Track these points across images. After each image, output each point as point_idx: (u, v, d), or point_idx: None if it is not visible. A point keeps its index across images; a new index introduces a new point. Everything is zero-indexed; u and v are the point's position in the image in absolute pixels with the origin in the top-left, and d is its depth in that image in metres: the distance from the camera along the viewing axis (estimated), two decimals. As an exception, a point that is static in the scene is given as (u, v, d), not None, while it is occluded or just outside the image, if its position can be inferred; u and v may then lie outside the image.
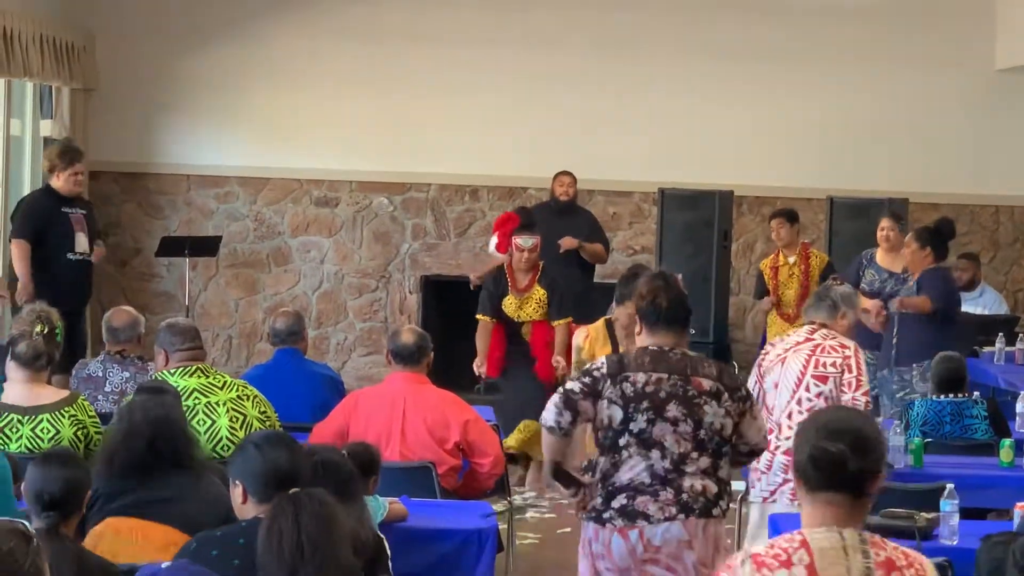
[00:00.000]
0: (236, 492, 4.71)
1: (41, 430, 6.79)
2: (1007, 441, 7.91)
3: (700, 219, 13.02)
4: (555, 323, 10.51)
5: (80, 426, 6.86)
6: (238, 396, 7.11)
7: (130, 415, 5.53)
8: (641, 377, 5.72)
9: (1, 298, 10.85)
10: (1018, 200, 13.96)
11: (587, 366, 5.95)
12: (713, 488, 5.73)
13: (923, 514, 6.37)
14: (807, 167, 13.84)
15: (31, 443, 6.73)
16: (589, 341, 9.21)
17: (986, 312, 12.59)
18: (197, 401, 7.01)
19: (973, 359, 10.79)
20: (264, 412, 7.17)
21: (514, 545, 8.41)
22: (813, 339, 7.46)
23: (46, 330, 7.78)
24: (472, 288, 11.31)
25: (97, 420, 6.99)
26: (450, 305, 13.64)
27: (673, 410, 5.70)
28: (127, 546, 5.08)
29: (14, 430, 6.79)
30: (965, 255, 13.09)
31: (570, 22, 13.87)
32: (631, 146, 13.79)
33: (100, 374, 8.03)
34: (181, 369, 7.12)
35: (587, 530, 5.83)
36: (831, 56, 13.80)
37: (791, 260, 11.87)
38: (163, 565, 4.38)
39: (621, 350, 8.22)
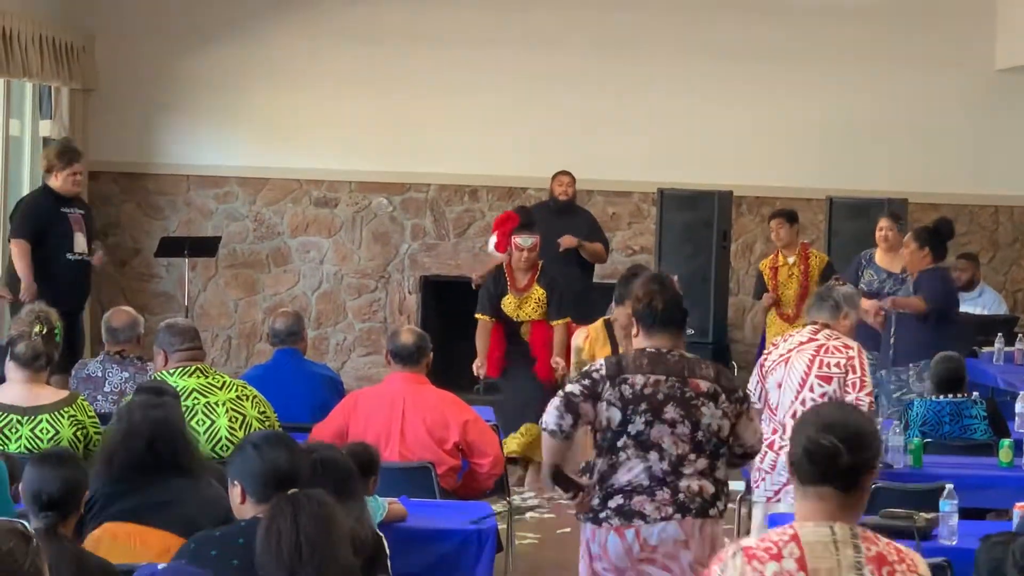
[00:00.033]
0: (235, 492, 4.71)
1: (40, 430, 6.79)
2: (1006, 441, 7.91)
3: (699, 219, 13.02)
4: (554, 323, 10.51)
5: (79, 426, 6.86)
6: (237, 396, 7.12)
7: (129, 416, 5.53)
8: (639, 379, 5.74)
9: (1, 298, 10.83)
10: (1018, 200, 13.96)
11: (586, 368, 5.97)
12: (710, 488, 5.75)
13: (922, 514, 6.38)
14: (806, 167, 13.84)
15: (31, 443, 6.74)
16: (589, 342, 9.22)
17: (985, 312, 12.59)
18: (196, 401, 7.01)
19: (972, 359, 10.78)
20: (263, 412, 7.17)
21: (513, 545, 8.41)
22: (817, 339, 7.46)
23: (45, 330, 7.78)
24: (474, 288, 11.32)
25: (96, 420, 6.98)
26: (449, 305, 13.64)
27: (671, 412, 5.72)
28: (125, 552, 5.07)
29: (13, 430, 6.79)
30: (964, 255, 13.09)
31: (570, 22, 13.86)
32: (630, 146, 13.79)
33: (99, 374, 8.04)
34: (180, 369, 7.12)
35: (585, 531, 5.86)
36: (831, 56, 13.80)
37: (791, 260, 11.86)
38: (159, 567, 4.38)
39: (621, 350, 8.23)
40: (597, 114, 13.79)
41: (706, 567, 5.56)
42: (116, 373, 8.01)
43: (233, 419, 7.02)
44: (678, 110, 13.83)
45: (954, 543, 6.24)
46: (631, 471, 5.73)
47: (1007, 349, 11.34)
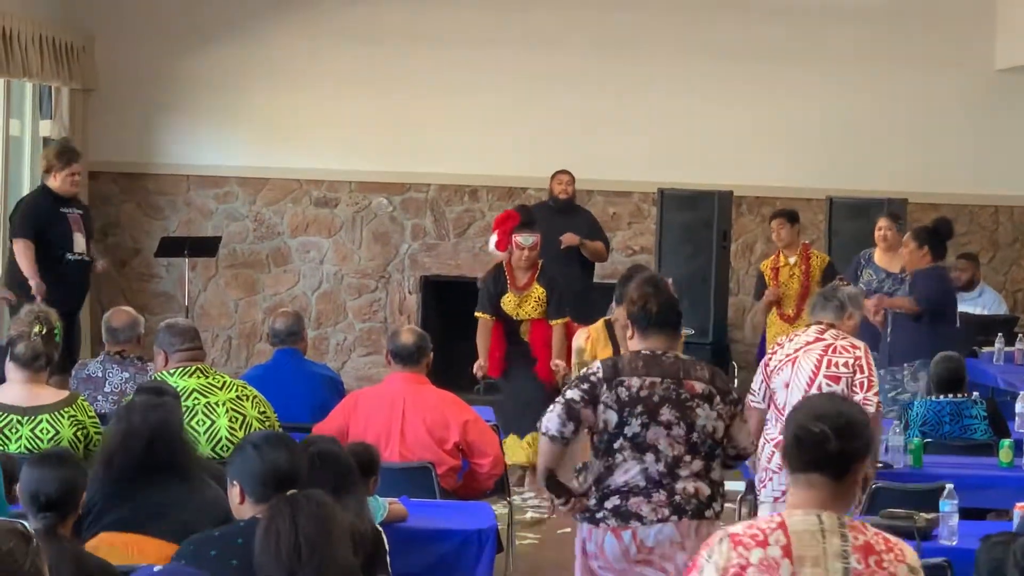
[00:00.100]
0: (234, 492, 4.71)
1: (40, 430, 6.79)
2: (1006, 441, 7.91)
3: (699, 219, 13.02)
4: (553, 322, 10.50)
5: (80, 426, 6.86)
6: (237, 396, 7.12)
7: (128, 418, 5.52)
8: (635, 381, 5.77)
9: (2, 300, 10.80)
10: (1017, 200, 13.96)
11: (583, 372, 5.98)
12: (706, 490, 5.78)
13: (922, 514, 6.38)
14: (806, 167, 13.83)
15: (31, 443, 6.73)
16: (590, 342, 9.22)
17: (985, 312, 12.59)
18: (196, 401, 7.01)
19: (972, 359, 10.78)
20: (263, 412, 7.17)
21: (513, 545, 8.41)
22: (824, 339, 7.45)
23: (44, 331, 7.78)
24: (480, 288, 11.31)
25: (97, 420, 6.98)
26: (449, 305, 13.64)
27: (666, 414, 5.75)
28: (122, 562, 5.06)
29: (13, 431, 6.79)
30: (964, 255, 13.10)
31: (570, 22, 13.86)
32: (630, 146, 13.79)
33: (100, 374, 8.03)
34: (180, 369, 7.12)
35: (581, 530, 5.89)
36: (831, 56, 13.80)
37: (791, 261, 11.85)
38: (155, 569, 4.37)
39: (622, 351, 8.23)
40: (597, 114, 13.79)
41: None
42: (116, 373, 8.01)
43: (233, 419, 7.02)
44: (678, 110, 13.83)
45: (954, 543, 6.24)
46: (627, 472, 5.75)
47: (1007, 349, 11.34)
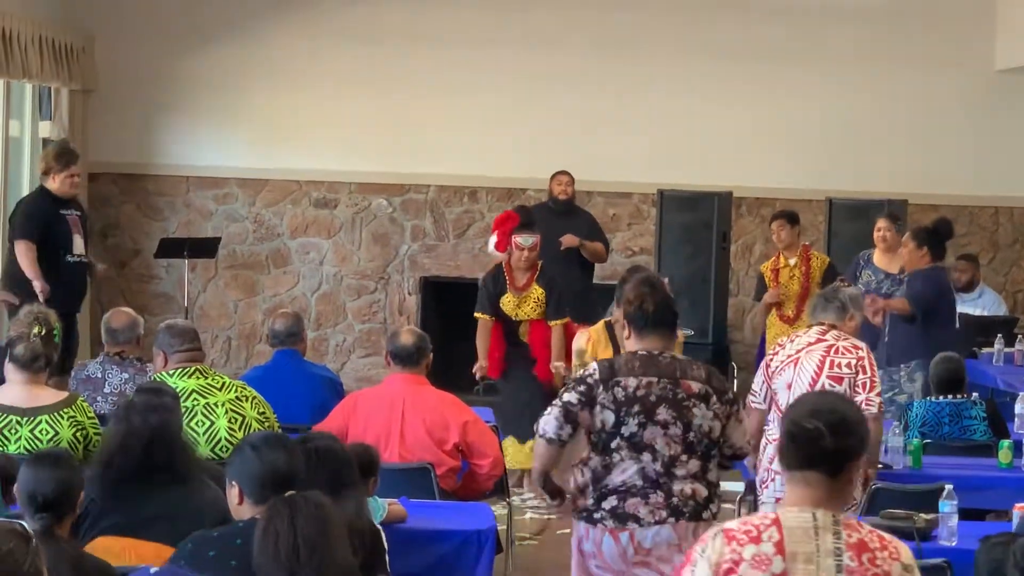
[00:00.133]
0: (232, 493, 4.71)
1: (40, 431, 6.79)
2: (1006, 442, 7.91)
3: (699, 220, 13.02)
4: (552, 323, 10.50)
5: (79, 427, 6.86)
6: (237, 397, 7.12)
7: (128, 419, 5.52)
8: (632, 381, 5.79)
9: (4, 303, 10.76)
10: (1017, 201, 13.96)
11: (579, 374, 6.02)
12: (703, 492, 5.80)
13: (922, 515, 6.38)
14: (806, 168, 13.83)
15: (30, 444, 6.73)
16: (591, 344, 9.22)
17: (985, 313, 12.58)
18: (196, 402, 7.01)
19: (972, 360, 10.77)
20: (263, 413, 7.17)
21: (513, 546, 8.41)
22: (825, 340, 7.45)
23: (44, 331, 7.79)
24: (480, 288, 11.31)
25: (96, 421, 6.98)
26: (449, 306, 13.64)
27: (663, 413, 5.77)
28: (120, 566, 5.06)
29: (13, 431, 6.79)
30: (964, 256, 13.09)
31: (570, 22, 13.86)
32: (630, 147, 13.79)
33: (99, 375, 8.03)
34: (180, 370, 7.12)
35: (578, 529, 5.91)
36: (831, 56, 13.80)
37: (792, 262, 11.84)
38: (151, 570, 4.37)
39: (623, 352, 8.23)
40: (597, 114, 13.79)
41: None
42: (116, 374, 8.01)
43: (232, 420, 7.02)
44: (678, 110, 13.83)
45: (954, 544, 6.24)
46: (625, 472, 5.77)
47: (1007, 350, 11.33)
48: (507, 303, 10.53)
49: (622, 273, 9.20)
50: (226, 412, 7.03)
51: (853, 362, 7.37)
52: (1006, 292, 13.83)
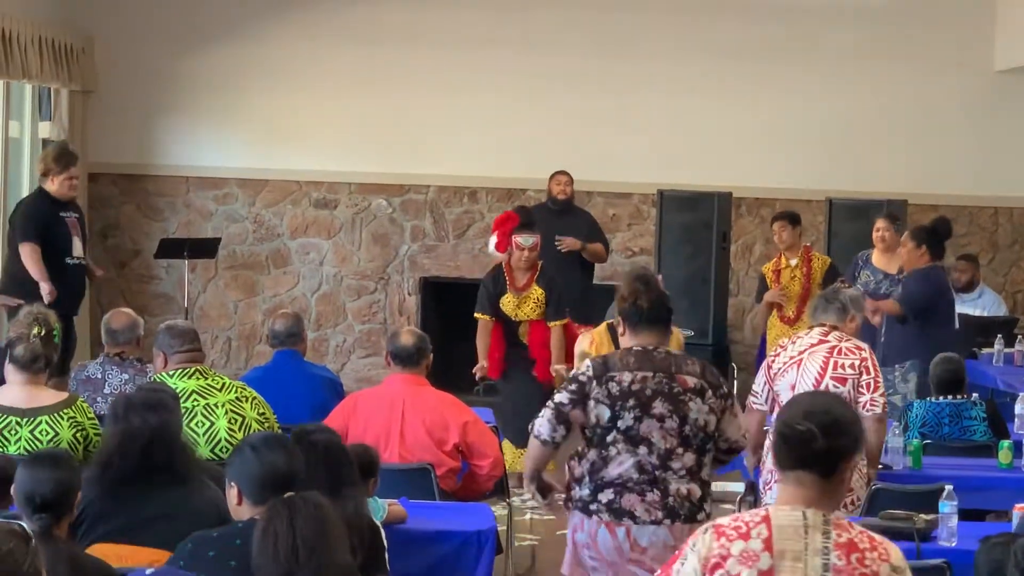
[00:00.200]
0: (232, 493, 4.71)
1: (40, 432, 6.79)
2: (1006, 443, 7.91)
3: (699, 220, 13.02)
4: (552, 323, 10.50)
5: (79, 428, 6.86)
6: (237, 398, 7.12)
7: (127, 419, 5.52)
8: (627, 376, 5.83)
9: (3, 306, 10.74)
10: (1017, 201, 13.96)
11: (573, 372, 6.07)
12: (697, 492, 5.85)
13: (922, 515, 6.38)
14: (806, 168, 13.83)
15: (30, 445, 6.73)
16: (594, 347, 9.22)
17: (985, 314, 12.58)
18: (196, 403, 7.01)
19: (972, 360, 10.77)
20: (263, 414, 7.17)
21: (513, 546, 8.41)
22: (828, 341, 7.44)
23: (43, 332, 7.78)
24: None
25: (96, 422, 6.98)
26: (449, 307, 13.64)
27: (659, 407, 5.81)
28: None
29: (13, 432, 6.79)
30: (964, 256, 13.09)
31: (570, 22, 13.86)
32: (630, 147, 13.79)
33: (99, 376, 8.03)
34: (180, 371, 7.13)
35: (573, 518, 5.95)
36: (831, 56, 13.80)
37: (793, 263, 11.83)
38: (148, 572, 4.37)
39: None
40: (597, 114, 13.79)
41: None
42: (116, 375, 8.01)
43: (232, 421, 7.02)
44: (678, 110, 13.83)
45: (953, 544, 6.24)
46: (622, 465, 5.81)
47: (1007, 350, 11.33)
48: (507, 303, 10.54)
49: (622, 274, 9.21)
50: (226, 413, 7.03)
51: (857, 363, 7.37)
52: (1006, 292, 13.83)
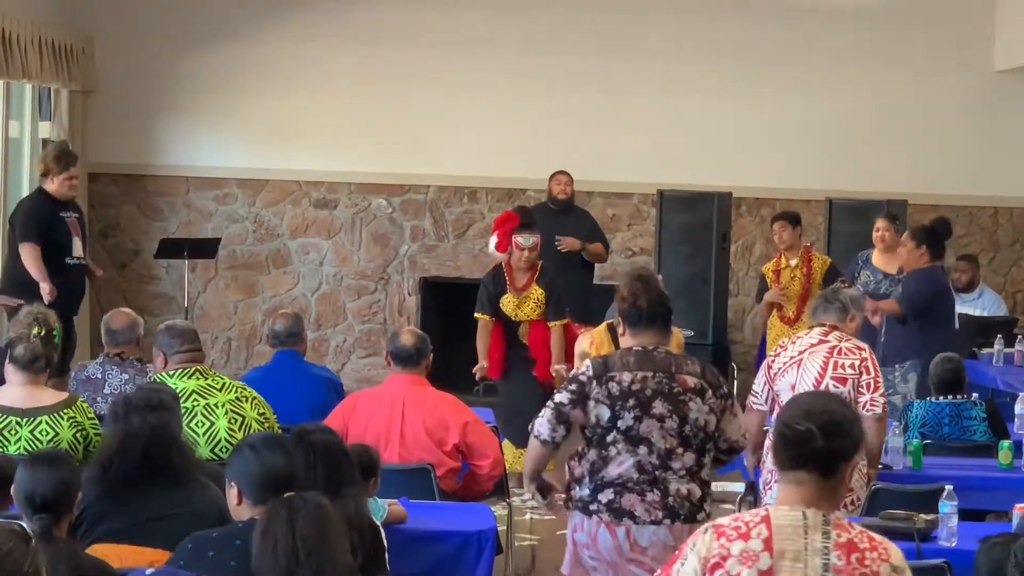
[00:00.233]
0: (231, 494, 4.71)
1: (40, 432, 6.79)
2: (1006, 443, 7.91)
3: (699, 221, 13.02)
4: (552, 324, 10.50)
5: (79, 428, 6.86)
6: (237, 398, 7.12)
7: (127, 420, 5.52)
8: (627, 376, 5.84)
9: (3, 307, 10.73)
10: (1017, 201, 13.96)
11: (573, 372, 6.08)
12: (697, 492, 5.86)
13: (922, 515, 6.38)
14: (806, 168, 13.84)
15: (30, 445, 6.73)
16: (595, 347, 9.22)
17: (985, 314, 12.58)
18: (196, 403, 7.01)
19: (972, 360, 10.77)
20: (263, 414, 7.17)
21: (513, 547, 8.41)
22: (828, 341, 7.44)
23: (43, 332, 7.78)
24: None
25: (96, 422, 6.97)
26: (449, 307, 13.64)
27: (659, 407, 5.82)
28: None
29: (13, 432, 6.79)
30: (964, 256, 13.09)
31: (569, 22, 13.86)
32: (630, 147, 13.79)
33: (99, 376, 8.03)
34: (180, 371, 7.13)
35: (573, 518, 5.96)
36: (831, 56, 13.80)
37: (793, 263, 11.83)
38: (147, 572, 4.37)
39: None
40: (597, 114, 13.79)
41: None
42: (116, 375, 8.00)
43: (232, 421, 7.02)
44: (678, 110, 13.83)
45: (953, 544, 6.24)
46: (622, 465, 5.82)
47: (1006, 350, 11.33)
48: (507, 303, 10.54)
49: (622, 274, 9.21)
50: (226, 413, 7.03)
51: (857, 363, 7.37)
52: (1006, 292, 13.84)
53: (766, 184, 13.87)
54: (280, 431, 6.64)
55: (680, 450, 5.82)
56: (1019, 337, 11.53)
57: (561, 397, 5.87)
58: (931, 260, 10.30)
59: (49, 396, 6.94)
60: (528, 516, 9.82)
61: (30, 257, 10.36)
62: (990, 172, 13.84)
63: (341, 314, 14.17)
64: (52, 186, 10.58)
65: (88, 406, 7.09)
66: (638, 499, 5.80)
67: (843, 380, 7.33)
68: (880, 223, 11.18)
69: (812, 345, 7.46)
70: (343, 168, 14.03)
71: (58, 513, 4.74)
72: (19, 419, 6.80)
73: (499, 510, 7.88)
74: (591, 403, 5.83)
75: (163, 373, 7.15)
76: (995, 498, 7.58)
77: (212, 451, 6.92)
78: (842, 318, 7.56)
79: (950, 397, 8.49)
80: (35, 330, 7.77)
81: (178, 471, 5.45)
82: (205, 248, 13.52)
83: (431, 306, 14.11)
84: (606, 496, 5.82)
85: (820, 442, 3.76)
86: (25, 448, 6.70)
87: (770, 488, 7.50)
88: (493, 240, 11.14)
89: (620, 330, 6.05)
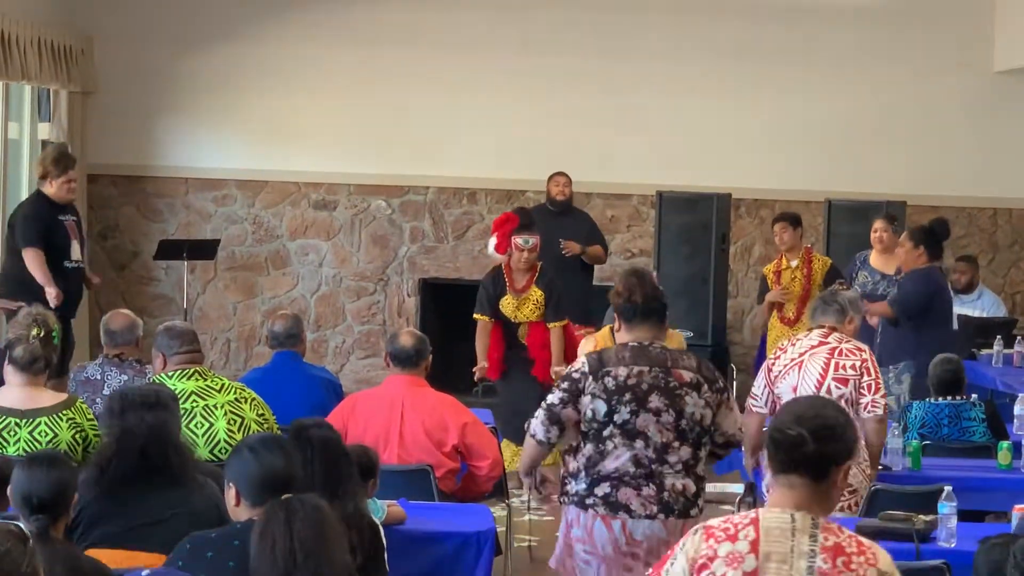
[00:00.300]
0: (230, 494, 4.71)
1: (39, 433, 6.79)
2: (1005, 443, 7.91)
3: (698, 222, 13.02)
4: (551, 325, 10.51)
5: (78, 429, 6.86)
6: (236, 399, 7.12)
7: (123, 417, 5.51)
8: (622, 371, 5.89)
9: (4, 310, 10.70)
10: (1016, 202, 13.96)
11: (567, 370, 6.11)
12: (692, 487, 5.91)
13: (921, 516, 6.38)
14: (805, 169, 13.83)
15: (29, 446, 6.72)
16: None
17: (984, 315, 12.58)
18: (195, 404, 7.01)
19: (971, 361, 10.77)
20: (262, 415, 7.17)
21: (512, 548, 8.41)
22: (828, 342, 7.44)
23: (42, 333, 7.78)
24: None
25: (95, 423, 6.96)
26: (448, 308, 13.64)
27: (656, 401, 5.87)
28: None
29: (12, 433, 6.78)
30: (963, 257, 13.09)
31: (569, 22, 13.86)
32: (629, 148, 13.79)
33: (98, 377, 8.02)
34: (179, 372, 7.12)
35: (568, 513, 5.99)
36: (831, 56, 13.80)
37: (793, 264, 11.82)
38: (144, 573, 4.37)
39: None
40: (596, 115, 13.79)
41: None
42: (115, 376, 8.00)
43: (231, 421, 7.02)
44: (678, 110, 13.83)
45: (953, 545, 6.24)
46: (618, 459, 5.87)
47: (1006, 351, 11.33)
48: (507, 305, 10.54)
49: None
50: (225, 414, 7.03)
51: (858, 364, 7.38)
52: (1005, 293, 13.83)
53: (765, 185, 13.87)
54: (279, 432, 6.63)
55: (676, 444, 5.87)
56: (1018, 338, 11.53)
57: (552, 398, 5.93)
58: (929, 261, 10.29)
59: (48, 397, 6.93)
60: (527, 517, 9.82)
61: (34, 262, 10.34)
62: (989, 173, 13.84)
63: (340, 315, 14.16)
64: (50, 189, 10.56)
65: (87, 407, 7.09)
66: (634, 493, 5.84)
67: (844, 381, 7.33)
68: (878, 224, 11.18)
69: (813, 347, 7.46)
70: (342, 169, 14.03)
71: (55, 514, 4.74)
72: (18, 420, 6.80)
73: (498, 511, 7.87)
74: (587, 398, 5.86)
75: (162, 374, 7.14)
76: (994, 499, 7.58)
77: (211, 452, 6.92)
78: (841, 320, 7.57)
79: (949, 398, 8.49)
80: (34, 331, 7.77)
81: (176, 471, 5.45)
82: (204, 249, 13.52)
83: (430, 307, 14.11)
84: (602, 490, 5.86)
85: (811, 446, 3.78)
86: (24, 449, 6.70)
87: (770, 490, 7.50)
88: (492, 242, 11.15)
89: (616, 326, 6.09)
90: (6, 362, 6.94)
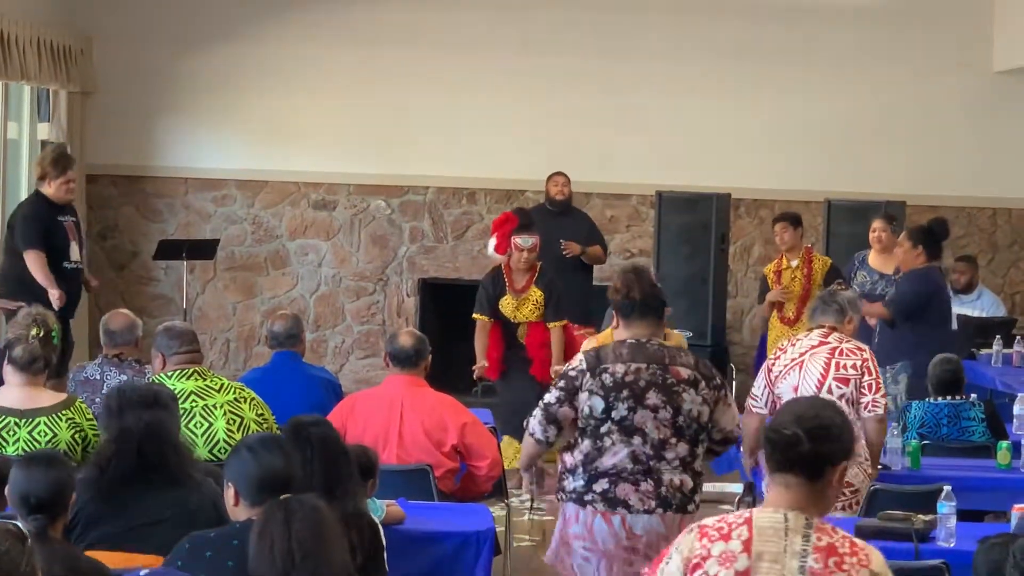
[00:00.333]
0: (229, 494, 4.71)
1: (38, 433, 6.79)
2: (1004, 443, 7.91)
3: (698, 222, 13.02)
4: (551, 325, 10.51)
5: (77, 429, 6.86)
6: (235, 399, 7.12)
7: (120, 416, 5.51)
8: (620, 368, 5.91)
9: (4, 310, 10.70)
10: (1016, 202, 13.96)
11: (565, 368, 6.13)
12: (689, 483, 5.93)
13: (920, 516, 6.38)
14: (805, 169, 13.83)
15: (28, 446, 6.72)
16: (600, 352, 9.21)
17: (983, 315, 12.58)
18: (194, 404, 7.01)
19: (970, 361, 10.77)
20: (261, 415, 7.17)
21: (511, 547, 8.41)
22: (828, 342, 7.45)
23: (42, 333, 7.78)
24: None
25: (95, 423, 6.96)
26: (448, 308, 13.63)
27: (653, 398, 5.89)
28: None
29: (11, 433, 6.79)
30: (963, 258, 13.09)
31: (569, 22, 13.86)
32: (629, 148, 13.79)
33: (98, 377, 8.02)
34: (178, 372, 7.12)
35: (566, 509, 6.01)
36: (831, 56, 13.80)
37: (793, 264, 11.82)
38: (142, 573, 4.37)
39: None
40: (596, 115, 13.79)
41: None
42: (114, 376, 7.99)
43: (231, 421, 7.02)
44: (677, 110, 13.83)
45: (952, 545, 6.24)
46: (616, 455, 5.89)
47: (1005, 351, 11.33)
48: (506, 305, 10.54)
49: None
50: (224, 414, 7.03)
51: (858, 363, 7.38)
52: (1004, 293, 13.83)
53: (765, 185, 13.87)
54: (278, 432, 6.63)
55: (674, 440, 5.89)
56: (1017, 338, 11.53)
57: (550, 397, 5.96)
58: (928, 260, 10.28)
59: (48, 397, 6.94)
60: (527, 517, 9.82)
61: (36, 264, 10.32)
62: (989, 173, 13.84)
63: (340, 315, 14.16)
64: (49, 190, 10.55)
65: (87, 407, 7.09)
66: (632, 489, 5.86)
67: (845, 380, 7.34)
68: (877, 224, 11.18)
69: (813, 347, 7.47)
70: (342, 169, 14.03)
71: (53, 514, 4.74)
72: (17, 420, 6.80)
73: (497, 511, 7.88)
74: (584, 395, 5.89)
75: (162, 374, 7.14)
76: (993, 499, 7.58)
77: (210, 452, 6.92)
78: (840, 320, 7.58)
79: (948, 398, 8.49)
80: (34, 331, 7.77)
81: (174, 470, 5.45)
82: (204, 249, 13.51)
83: (430, 307, 14.10)
84: (600, 486, 5.89)
85: (806, 446, 3.79)
86: (23, 449, 6.70)
87: (770, 491, 7.51)
88: (492, 242, 11.14)
89: (614, 323, 6.10)
90: (6, 362, 6.94)
